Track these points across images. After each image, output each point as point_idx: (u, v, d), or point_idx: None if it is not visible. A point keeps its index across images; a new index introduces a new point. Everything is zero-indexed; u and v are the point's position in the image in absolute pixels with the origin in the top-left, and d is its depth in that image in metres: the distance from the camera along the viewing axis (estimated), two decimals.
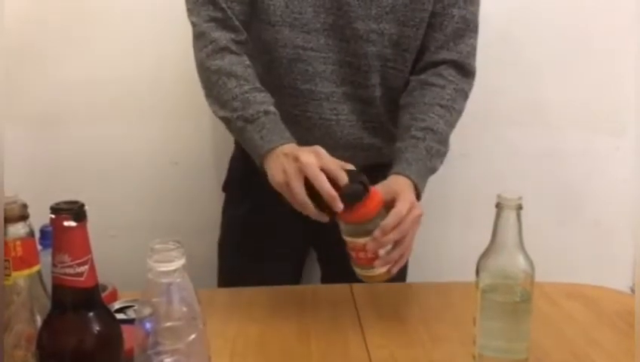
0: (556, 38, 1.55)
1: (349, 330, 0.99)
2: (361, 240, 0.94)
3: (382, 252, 0.95)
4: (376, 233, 0.93)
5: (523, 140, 1.60)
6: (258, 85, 1.05)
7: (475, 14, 1.14)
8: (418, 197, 1.03)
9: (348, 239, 0.97)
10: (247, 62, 1.06)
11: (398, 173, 1.02)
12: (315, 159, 0.92)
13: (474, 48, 1.15)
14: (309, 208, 0.93)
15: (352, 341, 0.96)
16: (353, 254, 0.97)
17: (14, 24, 1.37)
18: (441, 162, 1.10)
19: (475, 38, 1.15)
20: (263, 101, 1.02)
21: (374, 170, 1.03)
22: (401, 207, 0.94)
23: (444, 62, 1.13)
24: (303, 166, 0.91)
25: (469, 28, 1.13)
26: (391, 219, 0.93)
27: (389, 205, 0.96)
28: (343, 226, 0.96)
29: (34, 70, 1.50)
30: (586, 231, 1.65)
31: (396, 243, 0.95)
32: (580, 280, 1.16)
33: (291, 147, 0.97)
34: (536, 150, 1.61)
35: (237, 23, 1.07)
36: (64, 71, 1.51)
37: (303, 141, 1.12)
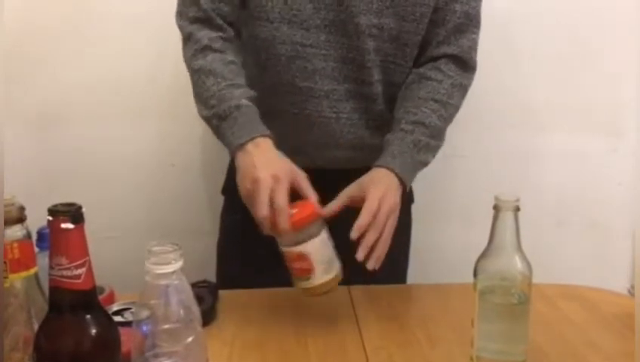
0: (555, 39, 1.55)
1: (346, 332, 0.99)
2: (295, 250, 0.94)
3: (322, 262, 0.94)
4: (353, 235, 0.94)
5: (521, 141, 1.60)
6: (237, 81, 1.03)
7: (477, 9, 1.14)
8: (405, 190, 1.04)
9: (284, 250, 0.96)
10: (230, 59, 1.05)
11: (381, 166, 1.03)
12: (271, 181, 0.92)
13: (475, 43, 1.15)
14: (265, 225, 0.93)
15: (349, 342, 0.96)
16: (290, 266, 0.96)
17: (13, 24, 1.37)
18: (434, 156, 1.10)
19: (477, 33, 1.15)
20: (238, 96, 1.01)
21: None
22: (371, 204, 0.96)
23: (444, 56, 1.13)
24: (257, 188, 0.92)
25: (471, 23, 1.13)
26: (363, 217, 0.94)
27: (355, 202, 0.98)
28: (278, 238, 0.95)
29: (32, 71, 1.50)
30: (584, 233, 1.65)
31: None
32: (577, 281, 1.17)
33: (254, 159, 0.96)
34: (534, 151, 1.61)
35: (221, 22, 1.07)
36: (62, 72, 1.51)
37: (302, 140, 1.12)
